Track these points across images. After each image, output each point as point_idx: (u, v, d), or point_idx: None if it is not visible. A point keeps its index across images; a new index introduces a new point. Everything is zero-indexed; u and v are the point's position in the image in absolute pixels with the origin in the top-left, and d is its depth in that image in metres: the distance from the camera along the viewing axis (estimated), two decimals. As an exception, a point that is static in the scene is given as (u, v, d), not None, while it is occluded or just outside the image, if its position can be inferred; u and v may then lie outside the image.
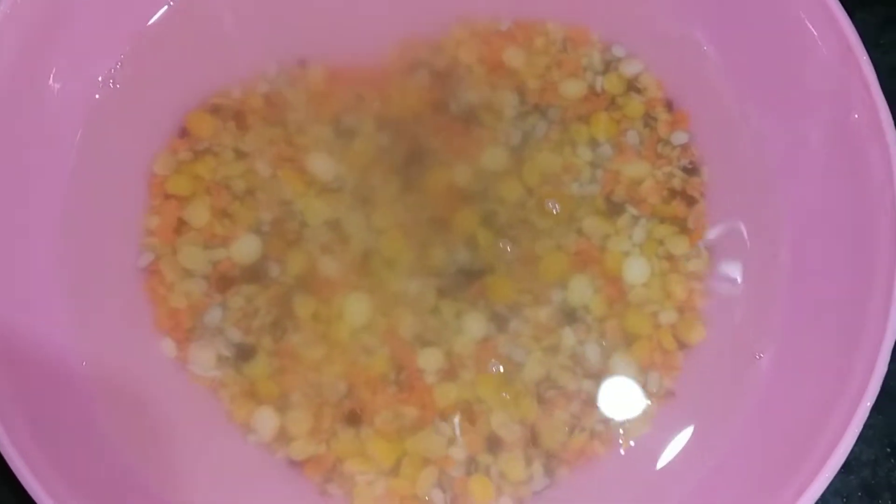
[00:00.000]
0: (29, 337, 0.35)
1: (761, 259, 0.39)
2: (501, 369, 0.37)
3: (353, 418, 0.37)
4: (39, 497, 0.31)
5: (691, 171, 0.40)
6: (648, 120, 0.41)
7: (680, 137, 0.40)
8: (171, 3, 0.40)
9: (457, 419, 0.37)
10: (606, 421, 0.37)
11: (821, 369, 0.35)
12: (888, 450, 0.39)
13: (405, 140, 0.40)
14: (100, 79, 0.39)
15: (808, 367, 0.35)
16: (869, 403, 0.32)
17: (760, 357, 0.37)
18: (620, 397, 0.37)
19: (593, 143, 0.40)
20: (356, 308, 0.38)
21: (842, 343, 0.34)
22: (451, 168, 0.40)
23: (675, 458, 0.37)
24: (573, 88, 0.41)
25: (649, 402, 0.37)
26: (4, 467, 0.31)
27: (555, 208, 0.38)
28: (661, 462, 0.37)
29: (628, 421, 0.37)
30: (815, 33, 0.37)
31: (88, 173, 0.38)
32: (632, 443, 0.37)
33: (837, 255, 0.36)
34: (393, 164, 0.40)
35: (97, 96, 0.39)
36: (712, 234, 0.39)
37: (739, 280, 0.39)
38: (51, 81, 0.37)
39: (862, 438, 0.32)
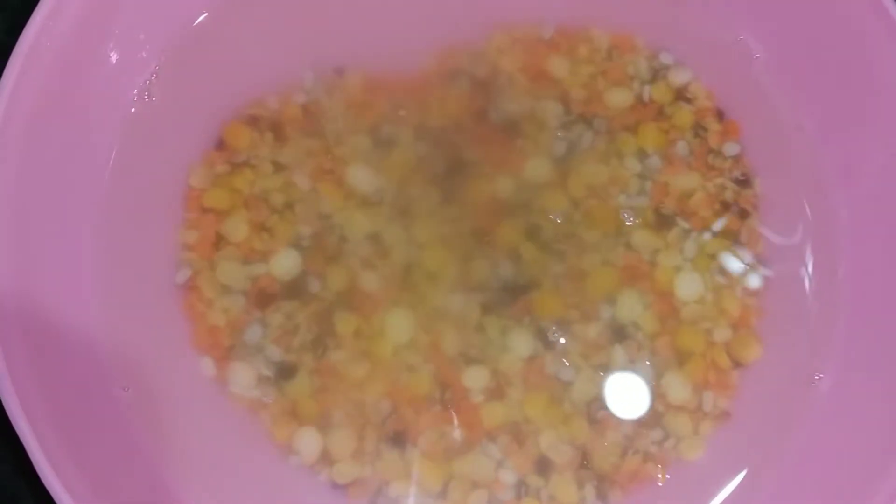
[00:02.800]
0: (65, 356, 0.34)
1: (819, 275, 0.38)
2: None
3: (398, 439, 0.36)
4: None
5: (744, 182, 0.39)
6: (698, 130, 0.40)
7: (731, 148, 0.40)
8: (207, 13, 0.40)
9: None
10: (660, 442, 0.36)
11: (884, 394, 0.34)
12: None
13: (445, 150, 0.39)
14: (135, 91, 0.38)
15: (869, 391, 0.34)
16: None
17: (819, 378, 0.36)
18: (674, 418, 0.36)
19: (641, 154, 0.39)
20: (398, 324, 0.37)
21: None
22: (493, 179, 0.39)
23: (732, 480, 0.36)
24: (619, 98, 0.40)
25: (704, 423, 0.36)
26: (35, 484, 0.30)
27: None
28: (717, 484, 0.36)
29: (683, 442, 0.36)
30: (876, 39, 0.36)
31: (124, 187, 0.37)
32: (686, 465, 0.36)
33: (899, 271, 0.35)
34: (433, 176, 0.39)
35: (133, 110, 0.38)
36: (767, 248, 0.38)
37: (796, 297, 0.38)
38: (86, 95, 0.36)
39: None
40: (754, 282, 0.38)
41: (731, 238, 0.38)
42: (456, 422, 0.36)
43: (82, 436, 0.33)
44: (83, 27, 0.35)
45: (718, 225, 0.38)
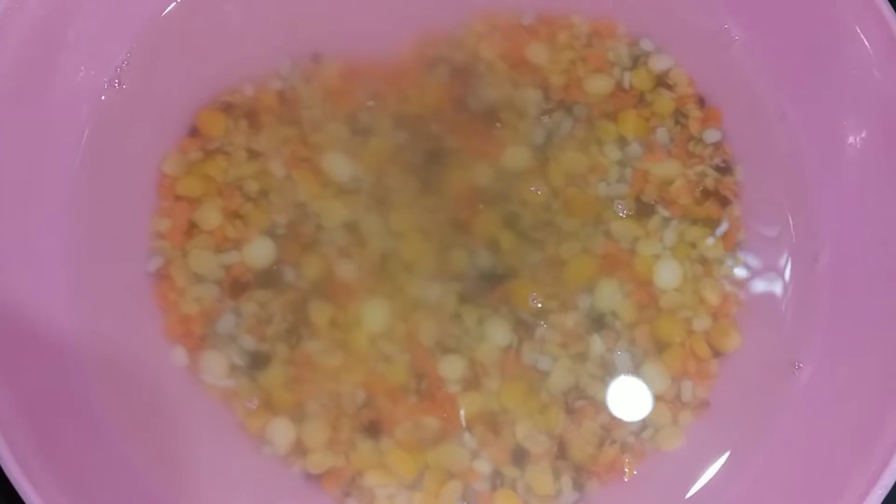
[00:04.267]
0: (33, 345, 0.34)
1: (800, 263, 0.37)
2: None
3: (373, 429, 0.35)
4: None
5: (724, 170, 0.39)
6: (679, 117, 0.39)
7: (712, 135, 0.39)
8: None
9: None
10: (638, 433, 0.36)
11: (864, 383, 0.33)
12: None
13: (423, 139, 0.39)
14: (105, 80, 0.38)
15: (850, 380, 0.34)
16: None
17: (800, 367, 0.36)
18: (652, 407, 0.36)
19: (621, 142, 0.39)
20: (374, 314, 0.36)
21: (889, 357, 0.32)
22: (472, 168, 0.38)
23: (710, 470, 0.35)
24: (599, 84, 0.40)
25: (682, 413, 0.36)
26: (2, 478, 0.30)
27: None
28: (696, 474, 0.35)
29: (661, 432, 0.36)
30: (857, 26, 0.35)
31: (95, 176, 0.37)
32: (665, 455, 0.35)
33: (880, 260, 0.35)
34: (411, 164, 0.38)
35: (103, 98, 0.37)
36: (747, 236, 0.38)
37: (776, 285, 0.37)
38: (54, 83, 0.36)
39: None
40: (734, 270, 0.38)
41: (711, 226, 0.38)
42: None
43: (51, 426, 0.32)
44: (50, 14, 0.34)
45: (699, 213, 0.38)
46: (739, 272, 0.38)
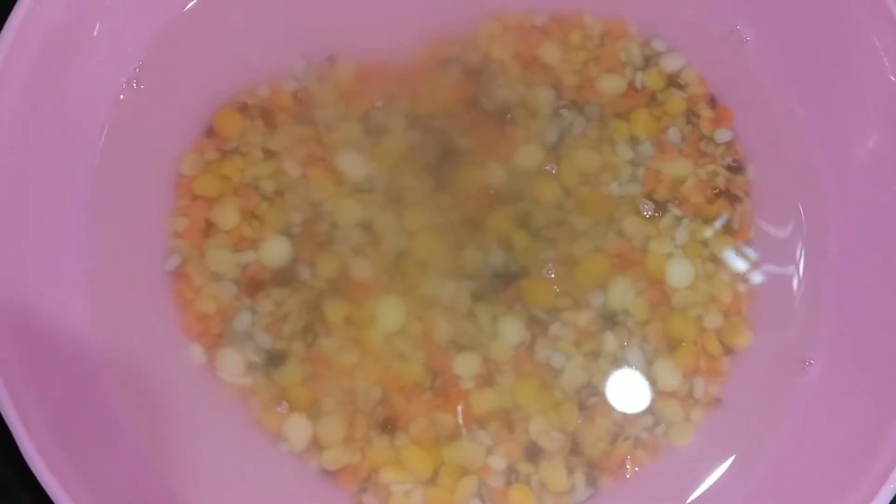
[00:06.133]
0: (52, 344, 0.34)
1: (810, 261, 0.38)
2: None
3: (388, 426, 0.35)
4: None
5: (735, 169, 0.39)
6: (691, 117, 0.39)
7: (723, 135, 0.39)
8: (195, 1, 0.39)
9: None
10: (650, 429, 0.36)
11: (875, 379, 0.33)
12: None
13: (436, 138, 0.39)
14: (123, 79, 0.38)
15: (861, 376, 0.34)
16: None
17: (810, 364, 0.36)
18: (664, 404, 0.36)
19: (633, 141, 0.39)
20: (389, 312, 0.37)
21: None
22: (485, 167, 0.39)
23: (722, 465, 0.35)
24: (612, 84, 0.40)
25: (694, 410, 0.36)
26: (25, 473, 0.30)
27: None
28: (707, 470, 0.35)
29: (673, 428, 0.36)
30: (868, 26, 0.35)
31: (113, 175, 0.37)
32: (677, 451, 0.36)
33: (891, 257, 0.35)
34: (424, 164, 0.39)
35: (121, 97, 0.38)
36: (758, 234, 0.38)
37: (787, 283, 0.37)
38: (73, 82, 0.36)
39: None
40: (746, 268, 0.38)
41: (723, 225, 0.38)
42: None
43: (71, 424, 0.33)
44: (69, 13, 0.35)
45: (710, 212, 0.38)
46: (751, 271, 0.38)
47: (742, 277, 0.38)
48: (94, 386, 0.35)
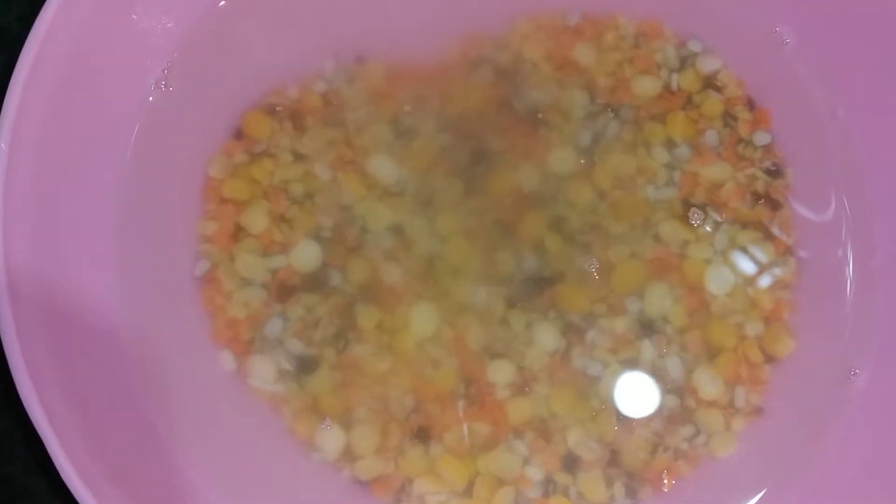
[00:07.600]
0: (83, 350, 0.34)
1: (854, 267, 0.37)
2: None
3: (422, 435, 0.35)
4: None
5: (775, 173, 0.38)
6: (728, 119, 0.39)
7: (762, 138, 0.39)
8: (224, 1, 0.39)
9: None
10: (691, 439, 0.35)
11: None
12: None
13: (468, 140, 0.38)
14: (152, 81, 0.37)
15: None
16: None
17: (856, 373, 0.35)
18: (705, 414, 0.35)
19: (669, 144, 0.38)
20: (421, 318, 0.36)
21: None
22: (517, 170, 0.38)
23: (764, 477, 0.35)
24: (647, 86, 0.39)
25: (735, 419, 0.35)
26: (53, 478, 0.30)
27: None
28: (749, 481, 0.35)
29: (714, 439, 0.35)
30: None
31: (142, 178, 0.37)
32: (718, 462, 0.35)
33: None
34: (455, 166, 0.38)
35: (150, 99, 0.37)
36: (799, 239, 0.37)
37: (830, 289, 0.37)
38: (102, 85, 0.35)
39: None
40: (787, 275, 0.37)
41: (763, 230, 0.37)
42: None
43: (100, 429, 0.32)
44: (98, 15, 0.34)
45: (749, 216, 0.38)
46: (792, 277, 0.37)
47: (783, 284, 0.37)
48: (125, 392, 0.34)
